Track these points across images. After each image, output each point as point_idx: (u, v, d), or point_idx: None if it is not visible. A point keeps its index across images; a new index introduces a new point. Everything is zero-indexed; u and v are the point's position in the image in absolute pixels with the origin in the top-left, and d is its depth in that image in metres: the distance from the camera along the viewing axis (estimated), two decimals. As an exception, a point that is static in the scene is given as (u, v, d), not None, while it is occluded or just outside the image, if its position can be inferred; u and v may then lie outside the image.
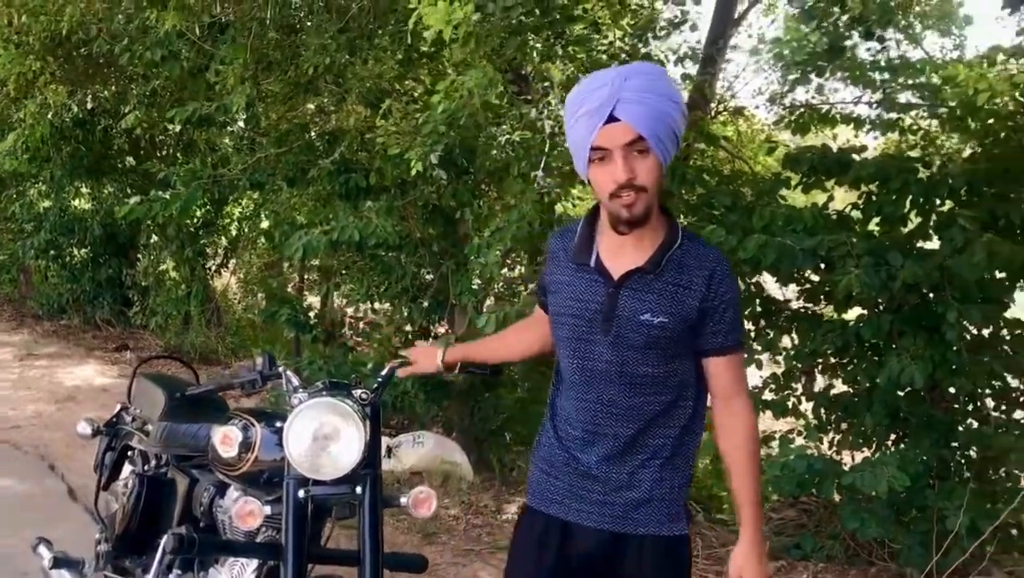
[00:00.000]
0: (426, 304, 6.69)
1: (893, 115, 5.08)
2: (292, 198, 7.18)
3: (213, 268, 11.47)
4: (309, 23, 4.93)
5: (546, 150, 4.69)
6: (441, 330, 7.51)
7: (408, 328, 6.75)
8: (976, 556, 4.05)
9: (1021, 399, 4.39)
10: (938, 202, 4.09)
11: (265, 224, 9.08)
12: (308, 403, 2.30)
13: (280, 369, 2.55)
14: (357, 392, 2.43)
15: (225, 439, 2.54)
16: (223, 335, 10.61)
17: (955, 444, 4.25)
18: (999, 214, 3.88)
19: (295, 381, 2.52)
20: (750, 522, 2.09)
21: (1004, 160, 3.91)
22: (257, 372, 2.54)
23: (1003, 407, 4.34)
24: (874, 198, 4.35)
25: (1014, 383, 4.33)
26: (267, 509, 2.37)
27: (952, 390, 4.22)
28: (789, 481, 4.08)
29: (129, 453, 3.32)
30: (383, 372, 2.59)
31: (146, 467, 3.11)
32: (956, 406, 4.32)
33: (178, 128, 9.27)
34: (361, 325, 7.04)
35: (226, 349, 10.24)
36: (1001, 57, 4.57)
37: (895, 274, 3.77)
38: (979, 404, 4.36)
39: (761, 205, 4.29)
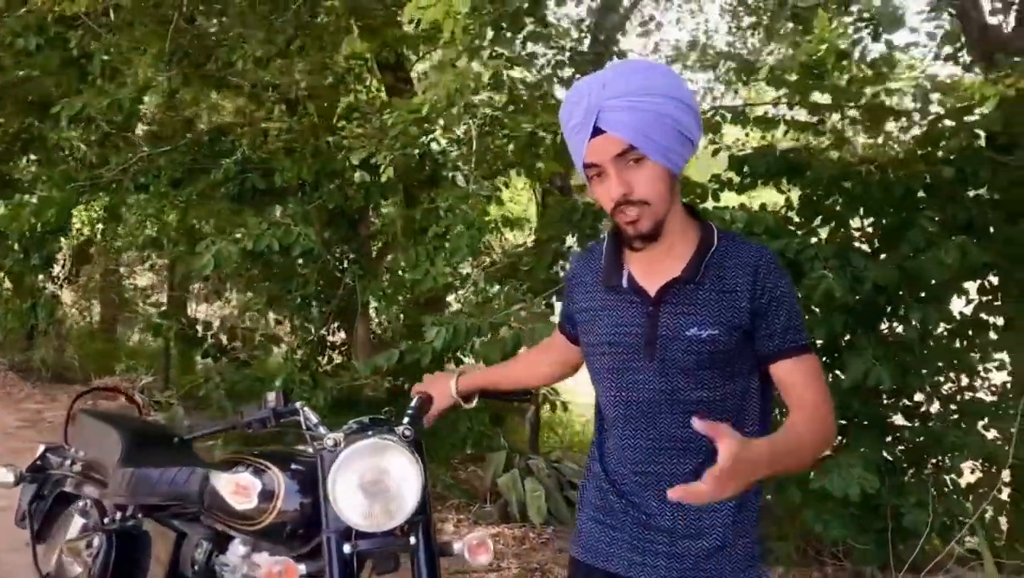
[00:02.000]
0: (329, 313, 6.34)
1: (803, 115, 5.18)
2: (176, 201, 6.61)
3: (62, 277, 10.53)
4: (234, 12, 4.47)
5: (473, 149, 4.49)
6: (340, 338, 7.16)
7: (312, 338, 6.36)
8: (928, 551, 4.15)
9: (958, 396, 4.52)
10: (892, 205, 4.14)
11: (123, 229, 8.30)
12: (358, 445, 2.00)
13: (297, 406, 2.23)
14: (398, 429, 2.15)
15: (239, 489, 2.21)
16: (65, 349, 9.77)
17: (899, 444, 4.33)
18: (949, 215, 3.97)
19: (314, 419, 2.22)
20: (762, 448, 1.58)
21: (951, 163, 4.00)
22: (270, 409, 2.21)
23: (942, 404, 4.46)
24: (824, 201, 4.37)
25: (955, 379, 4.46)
26: (302, 568, 2.05)
27: (893, 387, 4.28)
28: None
29: (78, 503, 2.87)
30: (412, 404, 2.30)
31: (107, 520, 2.68)
32: (906, 404, 4.41)
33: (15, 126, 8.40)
34: (257, 337, 6.56)
35: (83, 366, 9.43)
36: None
37: (860, 276, 3.78)
38: (922, 401, 4.46)
39: (716, 208, 4.24)
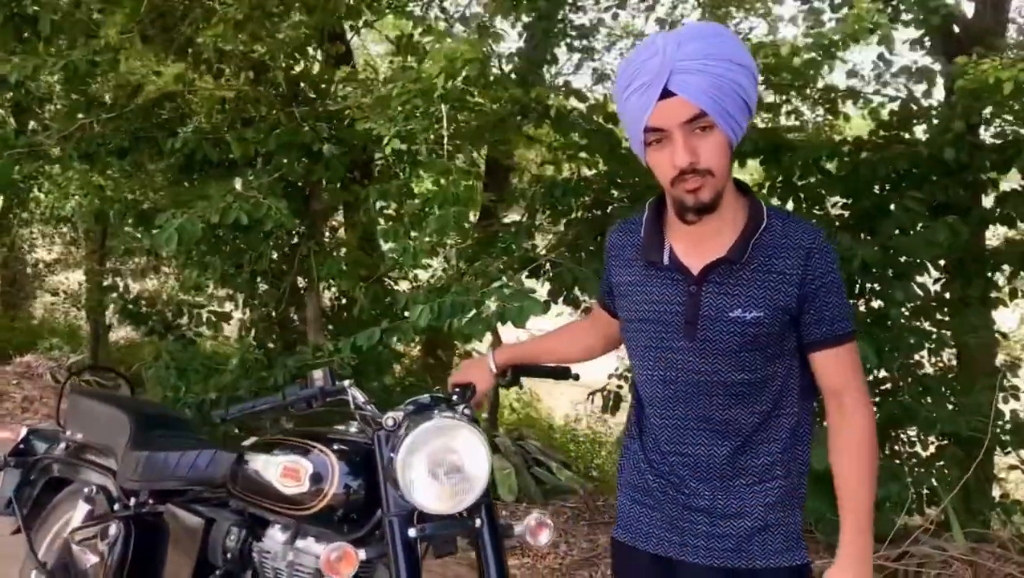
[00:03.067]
0: (284, 289, 6.15)
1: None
2: (111, 173, 6.28)
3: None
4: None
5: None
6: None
7: (267, 315, 6.16)
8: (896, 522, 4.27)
9: (919, 371, 4.66)
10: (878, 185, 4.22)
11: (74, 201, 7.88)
12: (428, 425, 1.93)
13: (345, 384, 2.14)
14: (459, 408, 2.09)
15: (288, 472, 2.11)
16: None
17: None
18: (928, 195, 4.07)
19: (361, 398, 2.14)
20: (851, 538, 1.75)
21: (928, 145, 4.09)
22: (318, 388, 2.11)
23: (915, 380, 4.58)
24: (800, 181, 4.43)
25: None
26: (361, 553, 1.97)
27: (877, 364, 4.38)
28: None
29: (75, 489, 2.70)
30: (457, 391, 2.21)
31: (118, 507, 2.53)
32: (875, 378, 4.52)
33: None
34: (205, 315, 6.31)
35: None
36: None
37: (847, 256, 3.84)
38: (887, 377, 4.58)
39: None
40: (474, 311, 4.20)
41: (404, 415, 2.01)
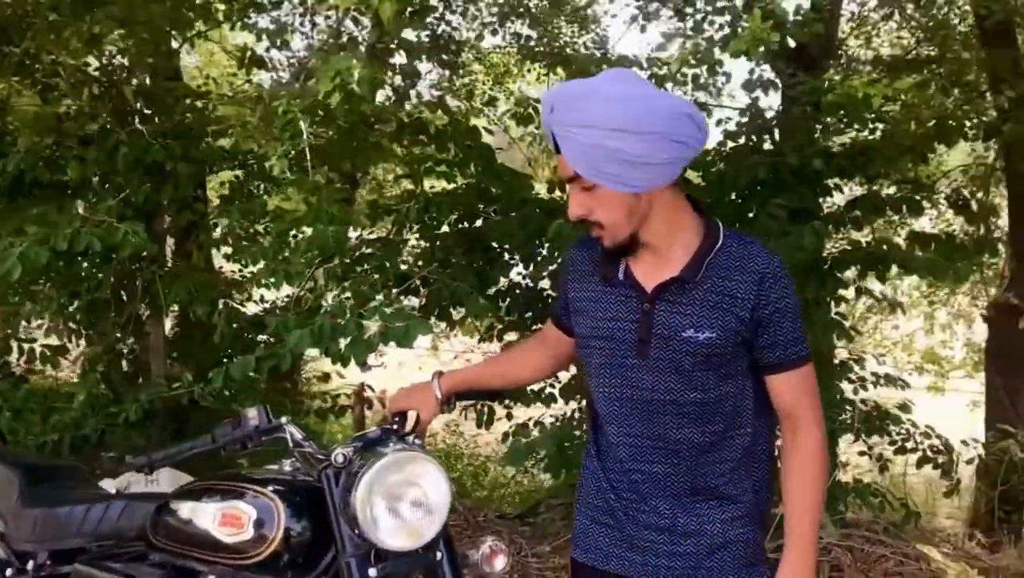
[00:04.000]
0: (129, 317, 5.75)
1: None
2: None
3: None
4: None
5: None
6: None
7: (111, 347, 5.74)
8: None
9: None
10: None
11: None
12: (387, 459, 1.85)
13: (283, 421, 2.03)
14: (408, 439, 2.03)
15: (229, 519, 1.97)
16: None
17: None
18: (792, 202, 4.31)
19: (299, 435, 2.04)
20: (795, 558, 1.77)
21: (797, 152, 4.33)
22: (252, 427, 1.99)
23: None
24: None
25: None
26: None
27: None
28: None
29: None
30: (397, 420, 2.12)
31: (11, 572, 2.27)
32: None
33: None
34: (38, 349, 5.80)
35: None
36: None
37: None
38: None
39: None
40: (355, 333, 4.09)
41: (354, 450, 1.92)
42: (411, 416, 2.12)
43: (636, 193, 1.67)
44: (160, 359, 6.20)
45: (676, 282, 1.73)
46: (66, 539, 2.25)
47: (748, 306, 1.71)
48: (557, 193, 4.93)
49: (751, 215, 4.33)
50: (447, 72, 6.17)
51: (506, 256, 5.12)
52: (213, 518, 1.98)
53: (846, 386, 4.90)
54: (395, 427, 2.08)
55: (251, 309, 6.24)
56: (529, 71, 7.42)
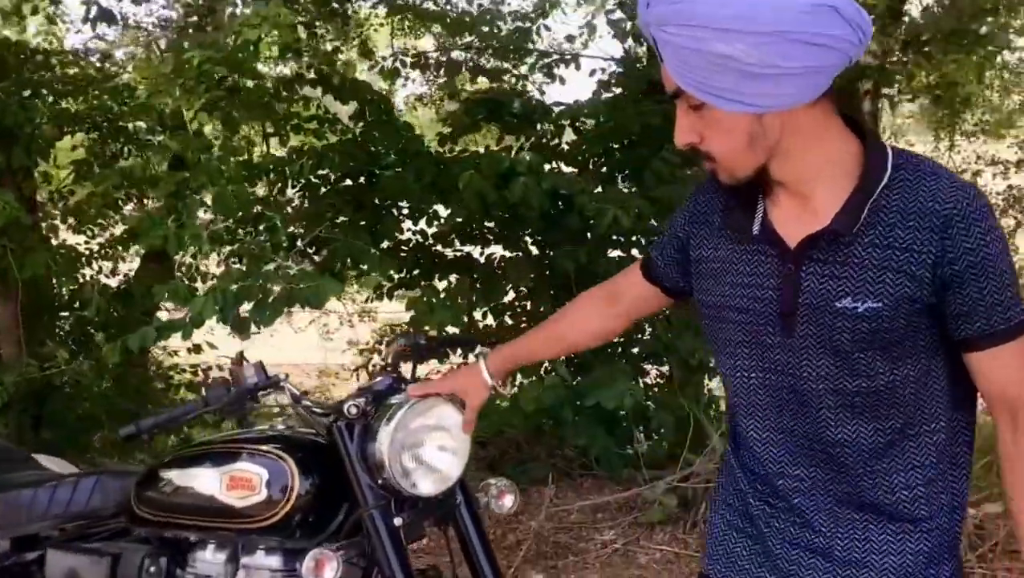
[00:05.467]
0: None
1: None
2: None
3: None
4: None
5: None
6: None
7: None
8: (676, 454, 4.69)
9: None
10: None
11: None
12: (413, 404, 1.82)
13: (281, 377, 1.95)
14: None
15: (239, 482, 1.88)
16: None
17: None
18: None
19: (296, 391, 1.97)
20: None
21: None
22: (252, 385, 1.90)
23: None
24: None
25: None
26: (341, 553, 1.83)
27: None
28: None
29: None
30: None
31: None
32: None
33: None
34: None
35: None
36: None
37: (624, 207, 4.13)
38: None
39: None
40: (260, 297, 3.95)
41: (365, 401, 1.88)
42: (442, 407, 1.87)
43: (759, 115, 1.25)
44: (11, 340, 5.75)
45: (827, 235, 1.30)
46: (29, 524, 2.08)
47: (928, 261, 1.27)
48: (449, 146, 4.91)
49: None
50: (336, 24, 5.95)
51: (394, 212, 5.08)
52: (220, 483, 1.88)
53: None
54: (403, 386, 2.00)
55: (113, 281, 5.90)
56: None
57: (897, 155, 1.33)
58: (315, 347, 12.29)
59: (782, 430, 1.43)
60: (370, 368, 5.54)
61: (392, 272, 4.75)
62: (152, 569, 1.97)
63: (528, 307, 5.19)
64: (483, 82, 5.72)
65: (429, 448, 1.83)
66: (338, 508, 1.90)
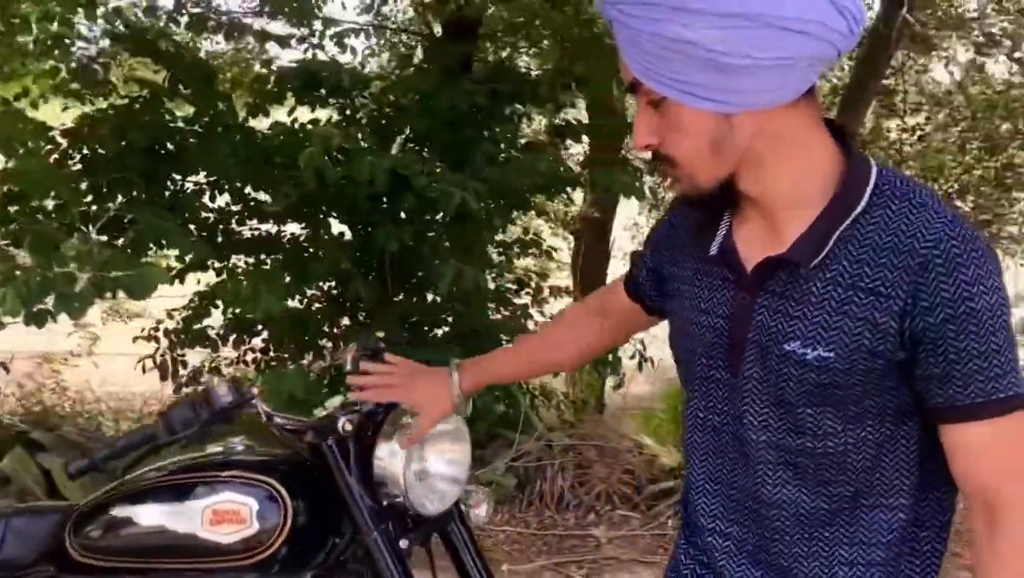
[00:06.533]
0: None
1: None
2: None
3: None
4: None
5: None
6: None
7: None
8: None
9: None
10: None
11: None
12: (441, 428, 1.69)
13: (255, 392, 1.74)
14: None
15: (224, 516, 1.65)
16: None
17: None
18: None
19: (267, 407, 1.78)
20: None
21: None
22: (225, 404, 1.68)
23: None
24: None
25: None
26: (342, 586, 1.69)
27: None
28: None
29: None
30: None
31: None
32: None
33: None
34: None
35: None
36: None
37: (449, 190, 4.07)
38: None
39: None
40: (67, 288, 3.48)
41: (356, 418, 1.72)
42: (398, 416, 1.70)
43: (728, 115, 1.07)
44: None
45: (783, 264, 1.12)
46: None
47: (895, 309, 1.06)
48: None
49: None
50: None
51: (190, 186, 4.66)
52: (201, 517, 1.64)
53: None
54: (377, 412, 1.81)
55: None
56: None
57: (883, 177, 1.11)
58: (31, 330, 10.98)
59: (719, 480, 1.26)
60: (157, 358, 5.06)
61: (213, 251, 4.37)
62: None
63: (343, 292, 4.98)
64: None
65: (437, 462, 1.72)
66: (326, 535, 1.73)
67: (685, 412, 1.32)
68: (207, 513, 1.64)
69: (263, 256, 4.92)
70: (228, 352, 5.59)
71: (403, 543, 1.70)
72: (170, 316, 5.53)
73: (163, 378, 5.00)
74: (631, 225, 11.99)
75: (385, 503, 1.69)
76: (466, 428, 1.77)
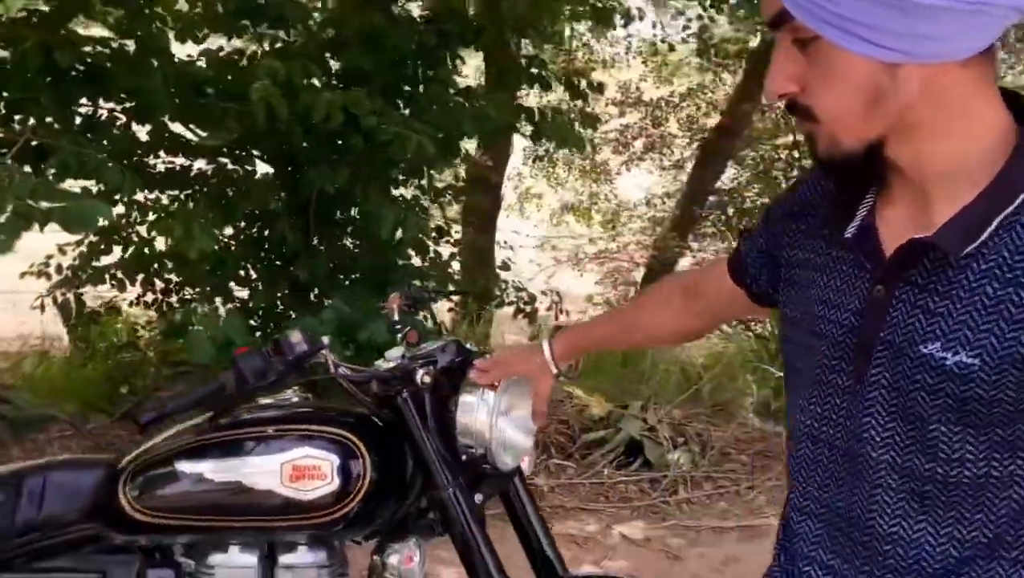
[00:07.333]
0: None
1: None
2: None
3: None
4: None
5: None
6: None
7: None
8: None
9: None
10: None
11: None
12: (511, 381, 1.65)
13: (325, 341, 1.67)
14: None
15: (304, 471, 1.57)
16: None
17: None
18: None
19: (333, 358, 1.71)
20: None
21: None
22: (302, 350, 1.61)
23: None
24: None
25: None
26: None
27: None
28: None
29: None
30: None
31: None
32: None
33: None
34: None
35: None
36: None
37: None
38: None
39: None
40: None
41: (435, 371, 1.66)
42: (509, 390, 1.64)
43: (893, 64, 0.90)
44: None
45: (929, 250, 0.95)
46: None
47: None
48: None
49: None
50: None
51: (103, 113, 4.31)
52: (280, 473, 1.55)
53: None
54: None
55: None
56: None
57: None
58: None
59: (825, 503, 1.07)
60: (59, 297, 4.70)
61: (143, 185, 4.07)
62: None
63: (265, 233, 4.77)
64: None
65: (515, 418, 1.69)
66: (398, 490, 1.68)
67: (791, 417, 1.13)
68: (286, 468, 1.56)
69: (181, 192, 4.64)
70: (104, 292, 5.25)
71: (478, 498, 1.67)
72: (62, 251, 5.17)
73: (66, 319, 4.66)
74: (514, 175, 12.09)
75: (464, 458, 1.66)
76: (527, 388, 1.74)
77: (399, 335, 1.81)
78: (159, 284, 5.26)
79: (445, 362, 1.68)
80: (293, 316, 4.86)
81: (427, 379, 1.63)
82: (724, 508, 4.06)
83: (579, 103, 5.16)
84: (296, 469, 1.56)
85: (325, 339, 1.65)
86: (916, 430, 0.96)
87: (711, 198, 8.37)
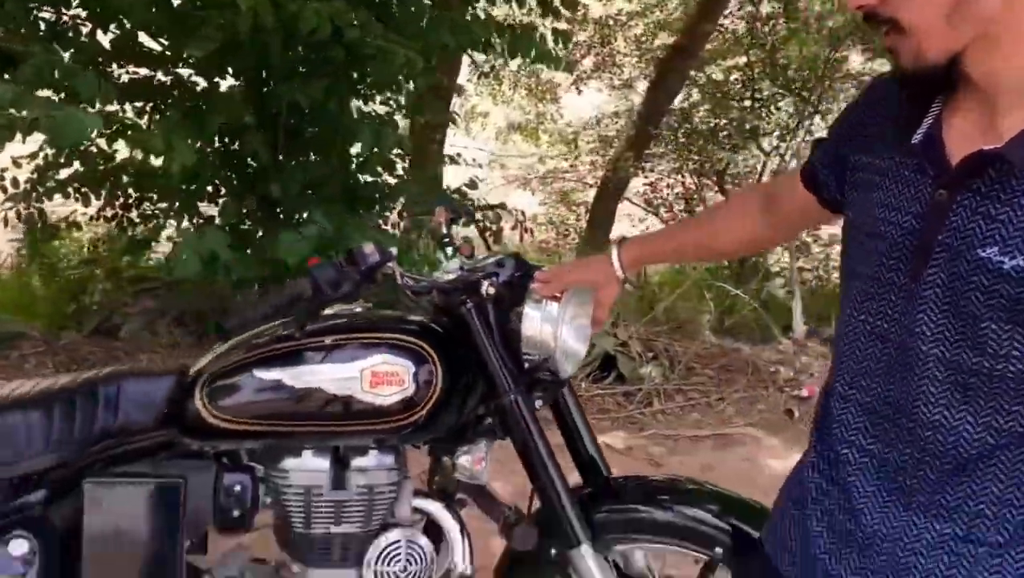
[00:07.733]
0: None
1: None
2: None
3: None
4: None
5: None
6: None
7: None
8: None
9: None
10: None
11: None
12: (574, 291, 1.70)
13: (393, 252, 1.70)
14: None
15: (383, 377, 1.62)
16: None
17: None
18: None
19: (400, 268, 1.75)
20: None
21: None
22: (375, 261, 1.64)
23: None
24: None
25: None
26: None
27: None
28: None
29: None
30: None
31: None
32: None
33: None
34: None
35: None
36: None
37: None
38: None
39: None
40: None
41: (497, 282, 1.72)
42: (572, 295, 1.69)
43: None
44: None
45: (994, 161, 0.98)
46: (25, 462, 1.54)
47: None
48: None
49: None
50: None
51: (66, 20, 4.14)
52: (360, 379, 1.59)
53: None
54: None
55: None
56: None
57: None
58: None
59: (871, 392, 1.12)
60: (22, 210, 4.55)
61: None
62: (236, 488, 1.62)
63: (235, 149, 4.67)
64: None
65: (577, 328, 1.75)
66: (463, 396, 1.74)
67: (844, 316, 1.17)
68: (366, 374, 1.60)
69: (146, 104, 4.51)
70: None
71: (537, 403, 1.75)
72: (16, 164, 4.99)
73: (30, 230, 4.53)
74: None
75: (526, 365, 1.72)
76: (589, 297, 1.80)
77: (449, 248, 1.86)
78: (120, 199, 5.12)
79: (506, 276, 1.73)
80: (261, 233, 4.82)
81: (491, 290, 1.69)
82: (698, 418, 4.23)
83: (550, 19, 5.12)
84: (375, 375, 1.60)
85: (393, 250, 1.68)
86: (967, 327, 1.01)
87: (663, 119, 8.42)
